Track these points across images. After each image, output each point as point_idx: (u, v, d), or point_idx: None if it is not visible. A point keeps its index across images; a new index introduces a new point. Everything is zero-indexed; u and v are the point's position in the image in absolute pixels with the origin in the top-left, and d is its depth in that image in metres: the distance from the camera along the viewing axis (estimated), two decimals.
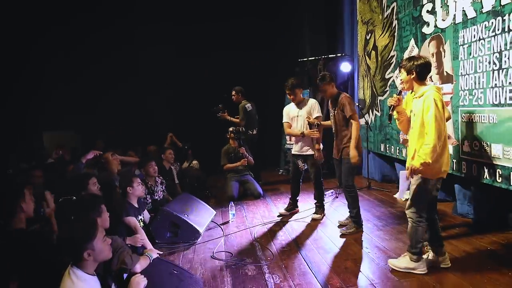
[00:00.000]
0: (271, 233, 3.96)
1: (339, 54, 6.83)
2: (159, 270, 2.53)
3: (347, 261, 3.13)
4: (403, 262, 2.86)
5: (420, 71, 2.68)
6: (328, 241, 3.63)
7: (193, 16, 7.51)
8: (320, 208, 4.42)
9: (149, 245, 3.22)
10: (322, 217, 4.34)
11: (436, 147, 2.54)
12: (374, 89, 5.89)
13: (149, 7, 7.33)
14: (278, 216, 4.55)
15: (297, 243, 3.62)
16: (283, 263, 3.17)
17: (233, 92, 6.07)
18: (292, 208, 4.64)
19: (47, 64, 6.97)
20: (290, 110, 4.43)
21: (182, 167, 6.01)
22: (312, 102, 4.33)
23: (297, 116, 4.34)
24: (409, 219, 2.82)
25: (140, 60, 7.32)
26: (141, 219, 3.56)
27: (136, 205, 3.52)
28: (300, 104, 4.35)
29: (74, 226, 1.95)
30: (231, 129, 5.70)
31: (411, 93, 2.83)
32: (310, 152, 4.28)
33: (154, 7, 7.38)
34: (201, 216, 4.07)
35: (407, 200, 4.77)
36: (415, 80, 2.72)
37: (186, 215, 3.83)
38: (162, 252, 3.45)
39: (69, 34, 7.00)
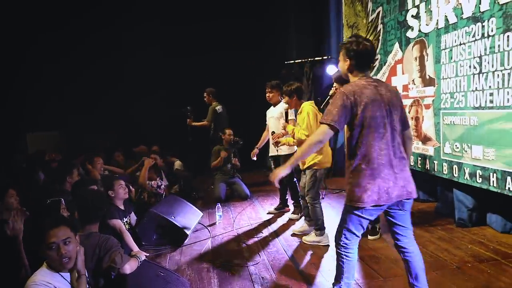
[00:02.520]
0: (258, 234, 3.99)
1: (326, 57, 6.91)
2: (146, 272, 2.52)
3: (333, 261, 3.16)
4: (311, 237, 3.61)
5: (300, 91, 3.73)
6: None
7: (180, 18, 7.50)
8: (297, 208, 4.47)
9: (135, 247, 3.20)
10: (300, 217, 4.37)
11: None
12: None
13: (135, 10, 7.29)
14: (268, 213, 4.66)
15: (284, 244, 3.65)
16: (270, 264, 3.19)
17: (205, 94, 6.09)
18: (282, 207, 4.71)
19: (42, 66, 6.92)
20: (268, 111, 4.67)
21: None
22: (285, 106, 4.31)
23: (272, 117, 4.51)
24: (308, 204, 3.57)
25: (127, 62, 7.27)
26: (126, 221, 3.54)
27: (122, 207, 3.51)
28: (276, 105, 4.51)
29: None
30: (228, 131, 5.70)
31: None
32: (284, 152, 4.31)
33: (140, 10, 7.35)
34: (188, 217, 4.06)
35: None
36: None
37: (172, 217, 3.82)
38: (148, 254, 3.43)
39: (58, 38, 6.93)
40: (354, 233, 2.18)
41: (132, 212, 3.76)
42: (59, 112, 7.09)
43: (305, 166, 3.56)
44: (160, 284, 2.51)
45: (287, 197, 4.75)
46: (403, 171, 2.10)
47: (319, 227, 3.56)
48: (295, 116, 3.92)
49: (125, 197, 3.64)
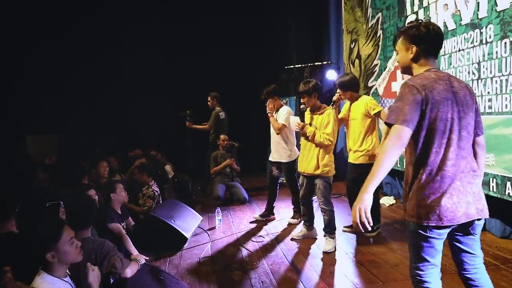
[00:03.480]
0: (258, 238, 3.98)
1: (325, 62, 6.95)
2: (146, 275, 2.52)
3: (332, 265, 3.18)
4: (329, 245, 3.50)
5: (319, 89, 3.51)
6: (314, 246, 3.68)
7: (179, 19, 7.57)
8: (297, 213, 4.46)
9: (134, 251, 3.20)
10: (299, 222, 4.37)
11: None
12: None
13: (133, 12, 7.34)
14: (251, 223, 4.56)
15: (283, 249, 3.65)
16: (270, 269, 3.19)
17: (209, 98, 6.10)
18: (267, 215, 4.66)
19: (41, 67, 6.94)
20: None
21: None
22: (281, 109, 4.35)
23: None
24: (323, 211, 3.54)
25: (126, 65, 7.31)
26: (123, 226, 3.54)
27: (119, 212, 3.51)
28: (278, 110, 4.44)
29: (39, 227, 1.92)
30: (222, 136, 5.73)
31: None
32: (285, 159, 4.33)
33: (139, 12, 7.40)
34: (188, 221, 4.06)
35: (391, 205, 4.92)
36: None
37: (172, 221, 3.82)
38: (148, 258, 3.43)
39: (57, 40, 6.97)
40: (426, 260, 1.77)
41: (129, 217, 3.77)
42: (59, 114, 7.10)
43: (316, 173, 3.48)
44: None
45: (273, 205, 4.70)
46: (473, 184, 1.72)
47: (333, 232, 3.56)
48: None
49: (125, 200, 3.66)
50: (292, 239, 3.87)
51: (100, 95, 7.24)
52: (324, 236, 3.59)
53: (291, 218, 4.52)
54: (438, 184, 1.67)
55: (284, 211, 4.93)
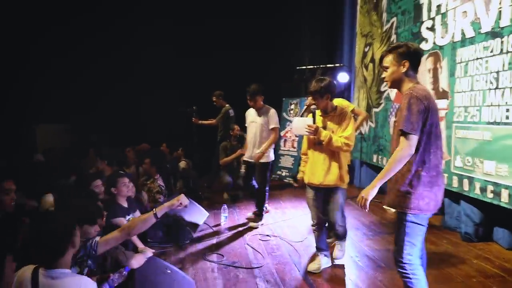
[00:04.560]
0: (263, 237, 3.98)
1: (337, 65, 6.92)
2: (153, 268, 2.53)
3: (337, 268, 3.17)
4: (339, 251, 3.27)
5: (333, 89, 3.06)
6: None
7: (192, 17, 7.58)
8: (258, 216, 4.43)
9: (140, 244, 3.21)
10: (258, 226, 4.32)
11: None
12: (369, 101, 5.98)
13: (146, 8, 7.35)
14: (247, 219, 4.55)
15: (288, 248, 3.65)
16: (274, 268, 3.19)
17: (214, 98, 6.06)
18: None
19: (49, 64, 6.96)
20: (249, 114, 4.56)
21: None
22: (272, 112, 4.32)
23: (253, 122, 4.44)
24: (338, 229, 3.17)
25: (138, 60, 7.33)
26: (129, 219, 3.53)
27: (126, 205, 3.47)
28: (259, 111, 4.43)
29: (56, 219, 1.83)
30: (236, 126, 5.75)
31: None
32: (264, 159, 4.31)
33: (151, 8, 7.41)
34: (194, 217, 4.06)
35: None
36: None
37: (179, 214, 3.82)
38: (154, 251, 3.44)
39: (68, 34, 7.00)
40: (415, 245, 2.08)
41: (138, 210, 3.76)
42: (67, 106, 7.12)
43: (338, 184, 3.00)
44: (166, 281, 2.51)
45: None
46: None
47: (345, 239, 3.33)
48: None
49: (128, 194, 3.57)
50: (308, 272, 3.14)
51: (108, 87, 7.25)
52: (336, 243, 3.31)
53: (252, 221, 4.41)
54: (433, 178, 2.03)
55: (290, 211, 4.92)
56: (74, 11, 6.97)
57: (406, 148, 1.95)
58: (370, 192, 2.04)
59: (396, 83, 2.16)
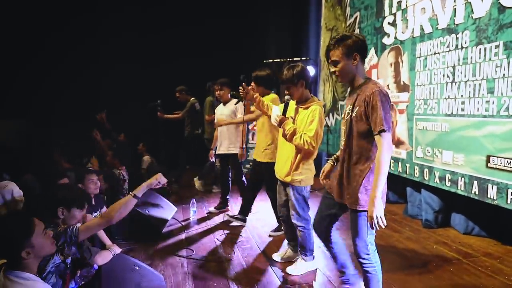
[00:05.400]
0: (232, 230, 3.99)
1: (304, 58, 7.00)
2: (121, 265, 2.48)
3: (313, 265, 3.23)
4: (301, 266, 2.97)
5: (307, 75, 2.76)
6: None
7: (160, 23, 7.39)
8: (223, 207, 4.64)
9: (108, 241, 3.12)
10: (219, 213, 4.52)
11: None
12: (335, 94, 6.11)
13: (114, 20, 7.12)
14: (207, 213, 4.61)
15: (258, 241, 3.68)
16: (244, 260, 3.21)
17: (177, 94, 5.95)
18: (222, 207, 4.73)
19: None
20: (217, 110, 4.67)
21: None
22: (238, 104, 4.24)
23: (222, 115, 4.49)
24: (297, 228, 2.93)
25: (96, 58, 7.09)
26: (96, 216, 3.44)
27: (93, 202, 3.40)
28: (226, 104, 4.53)
29: (7, 224, 1.74)
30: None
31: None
32: (233, 151, 4.37)
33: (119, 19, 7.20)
34: (162, 212, 4.01)
35: None
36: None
37: (147, 211, 3.75)
38: (121, 249, 3.36)
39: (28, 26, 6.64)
40: (371, 240, 2.10)
41: (104, 207, 3.67)
42: (25, 100, 6.77)
43: (287, 180, 2.84)
44: (135, 278, 2.47)
45: (228, 197, 4.80)
46: None
47: (307, 253, 2.99)
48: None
49: (95, 192, 3.50)
50: (277, 262, 3.16)
51: (70, 82, 6.96)
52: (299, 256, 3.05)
53: (215, 208, 4.65)
54: None
55: (259, 204, 4.92)
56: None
57: (388, 147, 1.90)
58: (378, 206, 1.86)
59: (348, 78, 2.09)
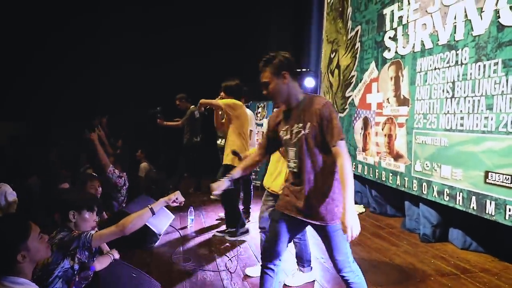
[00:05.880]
0: (230, 240, 3.97)
1: (304, 69, 7.07)
2: (119, 272, 2.47)
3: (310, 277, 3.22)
4: (295, 278, 2.95)
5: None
6: (288, 252, 3.71)
7: (161, 24, 7.45)
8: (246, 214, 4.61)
9: (105, 247, 3.11)
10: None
11: None
12: (335, 106, 6.15)
13: (114, 21, 7.18)
14: (217, 220, 4.62)
15: (255, 250, 3.66)
16: (241, 270, 3.20)
17: (177, 102, 5.99)
18: (247, 217, 4.69)
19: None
20: None
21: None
22: None
23: None
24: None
25: (97, 60, 7.11)
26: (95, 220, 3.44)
27: None
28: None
29: (2, 226, 1.73)
30: None
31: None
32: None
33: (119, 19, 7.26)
34: (160, 219, 4.00)
35: (360, 214, 5.05)
36: None
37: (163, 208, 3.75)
38: (119, 255, 3.34)
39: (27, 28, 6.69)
40: (349, 251, 2.06)
41: (104, 212, 3.67)
42: (24, 101, 6.78)
43: (277, 192, 2.82)
44: (132, 285, 2.46)
45: (250, 206, 4.79)
46: None
47: (305, 265, 2.98)
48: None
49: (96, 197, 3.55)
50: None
51: (68, 82, 6.98)
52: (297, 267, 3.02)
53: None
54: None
55: (256, 214, 4.94)
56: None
57: (348, 156, 1.90)
58: (353, 218, 1.79)
59: (282, 97, 2.04)
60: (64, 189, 3.08)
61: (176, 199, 2.32)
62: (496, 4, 3.03)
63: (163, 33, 7.40)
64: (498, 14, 3.02)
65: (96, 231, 2.14)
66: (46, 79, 6.89)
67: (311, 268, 3.02)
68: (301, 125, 1.99)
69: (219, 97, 4.00)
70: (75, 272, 2.01)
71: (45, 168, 4.17)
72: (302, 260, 2.95)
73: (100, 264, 2.40)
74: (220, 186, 2.21)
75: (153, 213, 2.22)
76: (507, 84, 2.94)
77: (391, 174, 4.44)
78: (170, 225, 4.17)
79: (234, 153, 3.43)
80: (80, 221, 2.18)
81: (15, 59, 6.68)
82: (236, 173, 2.30)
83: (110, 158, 4.66)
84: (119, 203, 4.25)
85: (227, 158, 3.79)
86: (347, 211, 1.80)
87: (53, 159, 4.38)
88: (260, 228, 3.00)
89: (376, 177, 4.78)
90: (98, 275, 2.28)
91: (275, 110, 2.64)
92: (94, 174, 4.00)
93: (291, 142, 2.05)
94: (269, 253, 2.16)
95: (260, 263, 2.22)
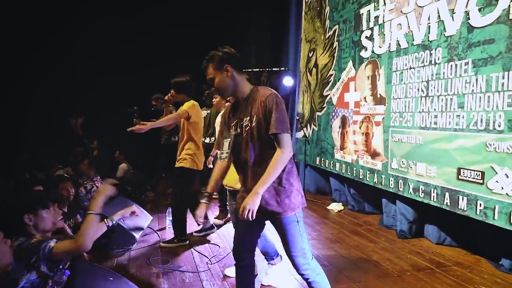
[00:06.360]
0: (209, 240, 3.95)
1: (283, 68, 7.09)
2: (94, 275, 2.40)
3: (282, 268, 3.24)
4: (268, 276, 2.97)
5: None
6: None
7: (139, 28, 7.34)
8: (222, 213, 4.57)
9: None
10: (225, 222, 4.42)
11: None
12: (313, 105, 6.20)
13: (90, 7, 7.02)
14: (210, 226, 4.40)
15: None
16: (221, 270, 3.18)
17: (153, 102, 5.88)
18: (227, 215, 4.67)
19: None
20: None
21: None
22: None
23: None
24: None
25: (84, 65, 6.96)
26: (69, 224, 3.35)
27: (65, 210, 3.34)
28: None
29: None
30: None
31: None
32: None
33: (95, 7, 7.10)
34: (137, 221, 3.93)
35: (339, 211, 5.11)
36: None
37: (121, 220, 3.66)
38: (93, 260, 3.27)
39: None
40: (307, 246, 2.04)
41: (78, 215, 3.58)
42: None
43: (236, 187, 2.80)
44: None
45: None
46: None
47: (273, 257, 3.00)
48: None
49: (69, 199, 3.47)
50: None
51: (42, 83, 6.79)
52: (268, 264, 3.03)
53: (215, 218, 4.56)
54: (296, 174, 2.03)
55: None
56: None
57: (289, 149, 1.88)
58: (256, 202, 1.83)
59: (229, 90, 2.03)
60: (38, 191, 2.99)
61: (132, 212, 2.31)
62: (466, 6, 3.12)
63: (140, 38, 7.31)
64: (468, 16, 3.11)
65: (61, 238, 2.06)
66: (19, 79, 6.68)
67: (280, 256, 2.99)
68: (248, 118, 1.97)
69: (169, 95, 3.86)
70: (47, 281, 1.94)
71: (17, 171, 4.03)
72: (268, 254, 2.94)
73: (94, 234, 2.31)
74: (202, 211, 2.16)
75: (108, 227, 2.25)
76: (476, 83, 3.04)
77: (369, 172, 4.51)
78: (147, 227, 4.10)
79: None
80: (39, 221, 2.08)
81: None
82: (212, 188, 2.22)
83: (85, 162, 4.55)
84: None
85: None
86: (254, 194, 1.83)
87: (23, 161, 4.25)
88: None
89: (354, 175, 4.85)
90: (72, 278, 2.21)
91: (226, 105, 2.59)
92: (66, 175, 3.90)
93: (242, 137, 2.00)
94: (239, 251, 2.20)
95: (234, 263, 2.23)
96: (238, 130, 2.02)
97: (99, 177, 4.51)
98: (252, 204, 1.82)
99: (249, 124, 1.97)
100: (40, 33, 6.70)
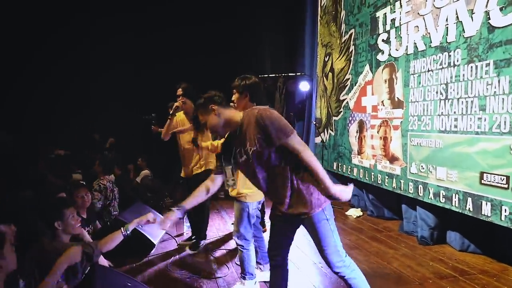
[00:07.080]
0: (227, 246, 3.95)
1: (299, 73, 7.07)
2: (113, 281, 2.42)
3: (301, 275, 3.20)
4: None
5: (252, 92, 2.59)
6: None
7: (149, 26, 7.45)
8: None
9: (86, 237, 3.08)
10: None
11: None
12: (329, 109, 6.15)
13: (104, 22, 7.18)
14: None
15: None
16: (239, 278, 3.16)
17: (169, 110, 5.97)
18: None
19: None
20: None
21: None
22: None
23: None
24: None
25: (87, 66, 7.10)
26: (89, 230, 3.42)
27: (84, 216, 3.39)
28: None
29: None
30: None
31: None
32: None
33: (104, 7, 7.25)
34: (155, 227, 3.95)
35: (358, 217, 5.03)
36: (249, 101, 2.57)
37: (140, 226, 3.70)
38: (112, 265, 3.31)
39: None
40: (339, 243, 2.05)
41: (97, 221, 3.64)
42: (14, 111, 6.75)
43: (232, 194, 2.80)
44: None
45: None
46: None
47: (245, 276, 2.84)
48: None
49: (86, 205, 3.50)
50: None
51: (62, 92, 6.96)
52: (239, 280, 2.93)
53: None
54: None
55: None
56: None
57: (303, 146, 1.91)
58: (338, 189, 1.89)
59: (220, 127, 2.09)
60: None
61: (148, 221, 2.34)
62: (486, 6, 3.05)
63: (154, 34, 7.41)
64: (488, 16, 3.04)
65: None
66: (39, 86, 6.87)
67: (254, 276, 2.87)
68: (249, 142, 1.97)
69: (179, 100, 3.83)
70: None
71: (38, 180, 4.12)
72: (244, 271, 2.82)
73: (111, 242, 2.36)
74: (170, 217, 2.08)
75: (124, 236, 2.30)
76: (499, 85, 2.95)
77: (387, 177, 4.43)
78: (166, 232, 4.13)
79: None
80: (66, 223, 2.29)
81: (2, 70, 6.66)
82: (188, 203, 2.14)
83: (96, 162, 4.61)
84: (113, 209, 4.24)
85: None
86: (329, 188, 1.86)
87: (42, 170, 4.34)
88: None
89: (372, 180, 4.77)
90: (91, 283, 2.24)
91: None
92: (82, 182, 3.96)
93: (250, 161, 2.01)
94: (271, 251, 2.29)
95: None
96: (244, 156, 2.03)
97: (106, 177, 4.57)
98: (341, 194, 1.88)
99: (250, 149, 1.98)
100: (40, 33, 6.85)
